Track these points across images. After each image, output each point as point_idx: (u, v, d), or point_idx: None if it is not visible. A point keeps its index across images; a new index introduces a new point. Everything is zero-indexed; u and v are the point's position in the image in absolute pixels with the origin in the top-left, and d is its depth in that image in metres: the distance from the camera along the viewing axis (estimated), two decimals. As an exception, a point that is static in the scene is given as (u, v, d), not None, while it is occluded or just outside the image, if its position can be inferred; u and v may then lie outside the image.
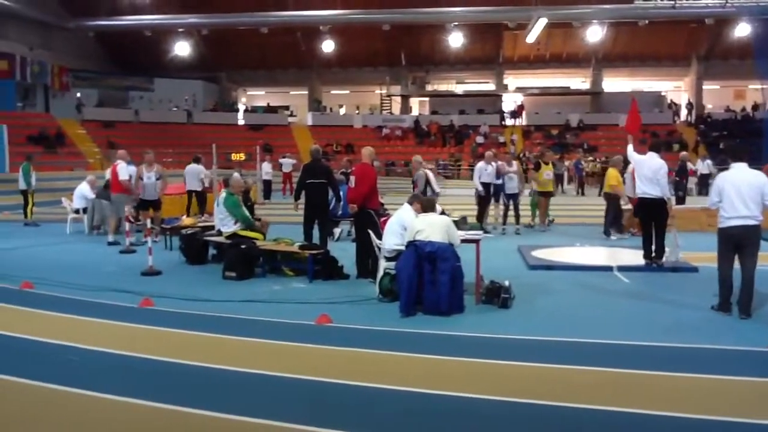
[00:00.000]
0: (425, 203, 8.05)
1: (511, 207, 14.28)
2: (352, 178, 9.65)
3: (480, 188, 14.03)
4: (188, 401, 4.66)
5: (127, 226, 11.97)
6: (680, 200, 16.69)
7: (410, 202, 8.34)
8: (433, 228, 7.37)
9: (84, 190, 14.68)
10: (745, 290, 6.93)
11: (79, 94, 37.79)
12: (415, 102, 44.74)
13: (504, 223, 14.37)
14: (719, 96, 42.48)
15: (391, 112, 43.31)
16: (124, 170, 12.73)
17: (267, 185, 23.62)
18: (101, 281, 8.99)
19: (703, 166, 23.47)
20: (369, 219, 9.24)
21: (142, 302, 7.64)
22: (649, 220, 9.74)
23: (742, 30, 33.01)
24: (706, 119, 39.30)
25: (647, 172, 9.61)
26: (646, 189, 9.60)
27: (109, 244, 12.38)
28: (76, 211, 14.69)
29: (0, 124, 25.76)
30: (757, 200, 6.90)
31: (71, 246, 12.78)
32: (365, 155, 9.77)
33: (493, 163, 14.05)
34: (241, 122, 41.56)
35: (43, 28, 35.44)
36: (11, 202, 18.85)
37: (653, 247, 9.73)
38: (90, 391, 4.86)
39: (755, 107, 38.11)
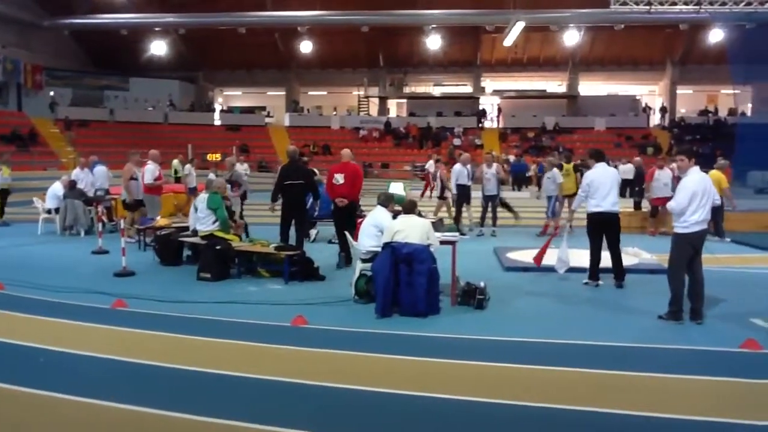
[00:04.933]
0: (407, 205, 8.05)
1: (489, 209, 14.32)
2: (341, 176, 10.29)
3: (454, 191, 14.10)
4: (160, 403, 4.61)
5: (99, 226, 11.81)
6: (637, 206, 16.13)
7: (384, 204, 8.33)
8: (413, 229, 7.38)
9: (57, 190, 14.44)
10: (700, 294, 6.98)
11: (52, 93, 37.29)
12: (392, 104, 44.79)
13: (481, 225, 14.40)
14: (693, 100, 43.11)
15: (368, 114, 43.30)
16: (150, 172, 12.64)
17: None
18: (73, 282, 8.86)
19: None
20: (354, 210, 10.53)
21: (115, 303, 7.55)
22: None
23: (716, 36, 33.45)
24: (679, 123, 39.85)
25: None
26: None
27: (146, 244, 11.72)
28: (48, 212, 14.47)
29: (-29, 123, 25.29)
30: (710, 203, 6.97)
31: (43, 247, 12.58)
32: (347, 155, 10.81)
33: (468, 166, 14.18)
34: (217, 122, 41.34)
35: (18, 26, 34.86)
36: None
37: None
38: (60, 393, 4.79)
39: (732, 112, 38.54)
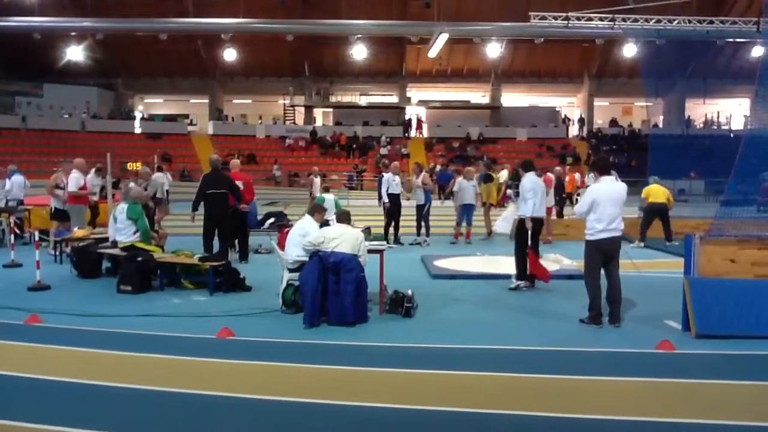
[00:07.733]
0: (340, 214, 8.03)
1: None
2: (240, 183, 11.33)
3: (386, 200, 14.11)
4: (79, 422, 4.42)
5: (12, 238, 11.26)
6: (559, 214, 16.80)
7: (311, 213, 8.28)
8: (345, 238, 7.36)
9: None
10: (617, 298, 7.23)
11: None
12: (318, 113, 44.68)
13: (418, 234, 14.49)
14: (609, 112, 44.90)
15: (294, 123, 43.04)
16: (74, 181, 12.14)
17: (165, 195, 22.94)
18: (-18, 297, 8.41)
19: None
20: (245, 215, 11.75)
21: (29, 319, 7.20)
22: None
23: (629, 50, 34.95)
24: (596, 134, 41.40)
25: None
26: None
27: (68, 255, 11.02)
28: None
29: None
30: (621, 212, 7.22)
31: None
32: (237, 165, 12.63)
33: (397, 175, 14.30)
34: (138, 130, 40.21)
35: None
36: None
37: None
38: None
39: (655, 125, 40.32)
